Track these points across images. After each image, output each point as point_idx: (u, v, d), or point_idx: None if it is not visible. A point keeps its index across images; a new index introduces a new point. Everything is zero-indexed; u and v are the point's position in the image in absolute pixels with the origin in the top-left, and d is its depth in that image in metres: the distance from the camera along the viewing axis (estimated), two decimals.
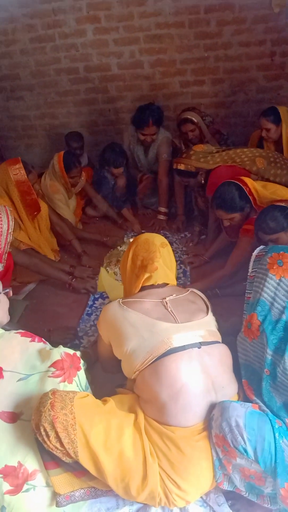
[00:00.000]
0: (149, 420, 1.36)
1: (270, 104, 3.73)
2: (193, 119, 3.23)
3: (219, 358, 1.44)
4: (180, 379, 1.34)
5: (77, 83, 3.96)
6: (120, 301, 1.58)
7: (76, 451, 1.21)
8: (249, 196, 2.35)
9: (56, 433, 1.19)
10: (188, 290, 1.70)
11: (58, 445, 1.21)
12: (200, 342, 1.43)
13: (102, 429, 1.27)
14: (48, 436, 1.20)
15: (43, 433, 1.20)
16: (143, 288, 1.66)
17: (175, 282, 1.75)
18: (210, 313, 1.60)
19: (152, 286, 1.64)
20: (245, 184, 2.37)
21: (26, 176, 2.60)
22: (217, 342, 1.50)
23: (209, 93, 3.88)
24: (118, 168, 3.36)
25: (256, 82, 3.78)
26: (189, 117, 3.23)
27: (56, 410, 1.21)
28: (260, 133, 3.09)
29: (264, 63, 3.68)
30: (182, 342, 1.41)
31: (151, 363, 1.38)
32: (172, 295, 1.60)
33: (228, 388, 1.42)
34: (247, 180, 2.41)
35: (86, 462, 1.24)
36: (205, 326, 1.51)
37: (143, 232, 3.24)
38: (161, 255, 1.68)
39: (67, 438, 1.20)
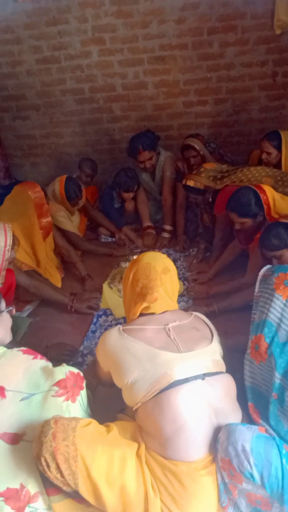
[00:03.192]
0: (151, 453, 1.32)
1: (273, 124, 3.82)
2: (195, 146, 3.27)
3: (223, 389, 1.40)
4: (183, 414, 1.30)
5: (82, 103, 4.02)
6: (121, 328, 1.53)
7: (76, 482, 1.19)
8: (264, 205, 2.34)
9: (57, 464, 1.17)
10: (192, 314, 1.65)
11: (58, 476, 1.18)
12: (204, 374, 1.39)
13: (104, 462, 1.23)
14: (48, 467, 1.17)
15: (43, 463, 1.17)
16: (142, 315, 1.60)
17: (176, 307, 1.68)
18: (214, 340, 1.54)
19: (152, 314, 1.59)
20: (264, 192, 2.35)
21: (45, 200, 2.64)
22: (221, 372, 1.46)
23: (212, 113, 3.92)
24: (128, 192, 3.41)
25: (258, 102, 3.83)
26: (191, 143, 3.27)
27: (57, 441, 1.18)
28: (259, 154, 3.11)
29: (266, 83, 3.73)
30: (185, 374, 1.36)
31: (154, 396, 1.34)
32: (175, 322, 1.55)
33: (232, 419, 1.37)
34: (267, 188, 2.39)
35: (86, 493, 1.21)
36: (209, 355, 1.46)
37: (145, 250, 3.29)
38: (162, 283, 1.59)
39: (68, 469, 1.18)
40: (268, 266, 1.56)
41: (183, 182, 2.91)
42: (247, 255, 2.55)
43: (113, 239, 3.52)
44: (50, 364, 1.43)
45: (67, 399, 1.36)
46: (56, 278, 2.85)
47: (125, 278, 1.71)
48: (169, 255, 3.21)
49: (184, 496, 1.25)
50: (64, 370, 1.40)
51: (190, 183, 2.83)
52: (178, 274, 2.93)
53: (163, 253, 3.26)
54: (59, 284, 2.83)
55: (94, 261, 3.23)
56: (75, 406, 1.37)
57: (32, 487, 1.25)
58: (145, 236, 3.45)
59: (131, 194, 3.44)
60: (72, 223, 3.21)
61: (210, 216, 2.97)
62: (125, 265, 2.98)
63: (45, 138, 4.29)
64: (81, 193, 3.15)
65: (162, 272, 1.61)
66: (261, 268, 1.55)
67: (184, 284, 2.84)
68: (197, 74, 3.74)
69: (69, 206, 3.09)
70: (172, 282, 1.65)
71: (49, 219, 2.75)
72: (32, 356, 1.42)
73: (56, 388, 1.35)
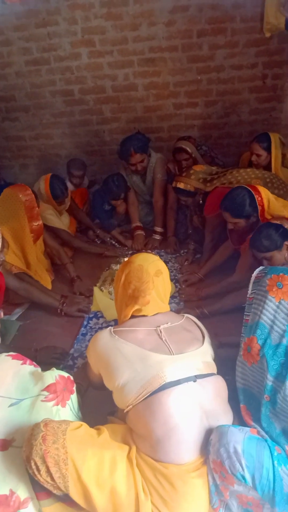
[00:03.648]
0: (142, 455, 1.32)
1: (263, 126, 3.84)
2: (188, 149, 3.27)
3: (214, 391, 1.40)
4: (175, 416, 1.29)
5: (72, 105, 4.01)
6: (112, 330, 1.51)
7: (67, 485, 1.18)
8: (259, 206, 2.33)
9: (47, 467, 1.16)
10: (183, 316, 1.65)
11: (48, 479, 1.17)
12: (195, 375, 1.38)
13: (94, 464, 1.22)
14: (38, 470, 1.16)
15: (33, 466, 1.16)
16: (133, 317, 1.59)
17: (168, 309, 1.67)
18: (206, 342, 1.54)
19: (143, 316, 1.58)
20: (259, 193, 2.35)
21: (35, 203, 2.62)
22: (212, 374, 1.46)
23: (202, 115, 3.93)
24: (116, 200, 3.43)
25: (248, 104, 3.84)
26: (183, 146, 3.27)
27: (47, 444, 1.17)
28: (250, 156, 3.12)
29: (256, 86, 3.75)
30: (176, 376, 1.36)
31: (145, 398, 1.33)
32: (166, 323, 1.54)
33: (223, 421, 1.36)
34: (262, 189, 2.38)
35: (76, 496, 1.20)
36: (200, 357, 1.46)
37: (136, 252, 3.28)
38: (154, 286, 1.58)
39: (58, 472, 1.17)
40: (261, 268, 1.55)
41: (173, 185, 2.91)
42: (238, 256, 2.56)
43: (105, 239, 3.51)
44: (39, 369, 1.42)
45: (57, 404, 1.35)
46: (46, 280, 2.83)
47: (116, 279, 1.69)
48: (160, 257, 3.22)
49: (175, 498, 1.24)
50: (54, 374, 1.38)
51: (180, 185, 2.83)
52: (170, 275, 2.94)
53: (154, 255, 3.26)
54: (49, 287, 2.81)
55: (84, 262, 3.22)
56: (65, 411, 1.36)
57: (22, 493, 1.24)
58: (134, 238, 3.44)
59: (119, 202, 3.45)
60: (62, 222, 3.19)
61: (200, 218, 2.97)
62: (115, 267, 2.97)
63: (34, 140, 4.27)
64: (67, 191, 3.13)
65: (154, 274, 1.59)
66: (251, 268, 1.56)
67: (176, 286, 2.84)
68: (187, 76, 3.75)
69: (56, 205, 3.07)
70: (164, 284, 1.64)
71: (40, 222, 2.73)
72: (21, 361, 1.41)
73: (45, 393, 1.34)
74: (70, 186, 3.76)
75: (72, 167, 3.68)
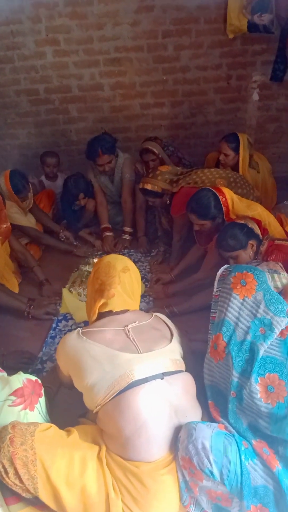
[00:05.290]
0: (112, 455, 1.32)
1: (228, 126, 3.91)
2: (154, 149, 3.29)
3: (182, 387, 1.41)
4: (143, 413, 1.30)
5: (38, 104, 3.96)
6: (80, 332, 1.51)
7: (36, 487, 1.17)
8: (224, 207, 2.36)
9: (15, 469, 1.15)
10: (152, 315, 1.66)
11: (17, 481, 1.16)
12: (163, 373, 1.40)
13: (64, 464, 1.22)
14: (7, 473, 1.15)
15: (1, 469, 1.15)
16: (102, 315, 1.59)
17: (137, 307, 1.69)
18: (174, 340, 1.56)
19: (111, 313, 1.58)
20: (223, 194, 2.37)
21: (2, 204, 2.55)
22: (180, 371, 1.47)
23: (169, 115, 3.96)
24: (77, 200, 3.39)
25: (214, 105, 3.90)
26: (150, 147, 3.29)
27: (15, 445, 1.16)
28: (216, 156, 3.16)
29: (221, 86, 3.81)
30: (144, 374, 1.37)
31: (113, 397, 1.34)
32: (135, 322, 1.56)
33: (191, 417, 1.38)
34: (226, 190, 2.41)
35: (46, 498, 1.19)
36: (168, 354, 1.48)
37: (104, 252, 3.26)
38: (121, 281, 1.60)
39: (27, 474, 1.16)
40: (225, 266, 1.59)
41: (140, 186, 2.90)
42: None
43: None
44: (5, 374, 1.40)
45: (25, 408, 1.33)
46: (13, 283, 2.76)
47: (88, 280, 1.72)
48: (130, 256, 3.21)
49: (146, 497, 1.25)
50: (21, 378, 1.37)
51: (148, 186, 2.83)
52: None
53: (124, 254, 3.26)
54: (16, 290, 2.75)
55: (52, 264, 3.17)
56: (33, 414, 1.35)
57: None
58: (103, 240, 3.43)
59: (82, 202, 3.42)
60: (28, 220, 3.13)
61: (167, 219, 2.99)
62: (84, 268, 2.95)
63: (0, 140, 4.19)
64: (29, 185, 3.05)
65: (121, 270, 1.63)
66: (216, 265, 1.58)
67: (145, 286, 2.84)
68: (153, 76, 3.77)
69: (18, 201, 2.99)
70: (132, 281, 1.67)
71: (8, 224, 2.65)
72: None
73: (13, 397, 1.32)
74: (46, 181, 3.78)
75: (45, 155, 3.68)
